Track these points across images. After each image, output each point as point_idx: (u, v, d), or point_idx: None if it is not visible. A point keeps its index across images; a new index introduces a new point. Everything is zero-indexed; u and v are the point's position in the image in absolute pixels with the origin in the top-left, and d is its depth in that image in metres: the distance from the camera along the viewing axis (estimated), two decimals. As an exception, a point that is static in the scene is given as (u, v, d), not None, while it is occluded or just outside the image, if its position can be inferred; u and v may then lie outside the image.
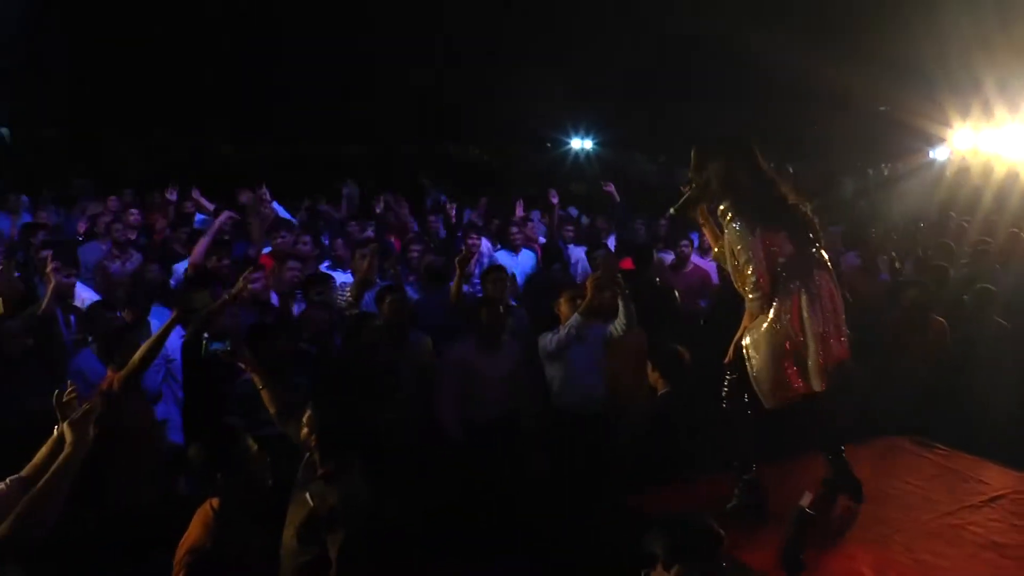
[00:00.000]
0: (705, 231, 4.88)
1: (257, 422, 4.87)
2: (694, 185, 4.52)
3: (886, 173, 16.92)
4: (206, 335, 5.50)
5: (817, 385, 4.22)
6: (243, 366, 4.82)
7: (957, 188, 11.58)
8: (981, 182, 11.14)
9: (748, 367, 4.32)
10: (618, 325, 6.10)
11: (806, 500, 3.07)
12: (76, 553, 5.17)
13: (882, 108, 15.71)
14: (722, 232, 4.46)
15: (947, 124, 13.33)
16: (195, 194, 10.56)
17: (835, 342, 4.27)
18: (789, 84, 14.66)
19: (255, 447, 3.63)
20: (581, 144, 20.78)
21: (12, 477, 3.52)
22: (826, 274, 4.34)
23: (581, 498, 5.36)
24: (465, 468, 5.80)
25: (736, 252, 4.32)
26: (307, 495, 3.94)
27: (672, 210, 4.61)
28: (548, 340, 6.14)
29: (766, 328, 4.26)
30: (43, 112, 18.09)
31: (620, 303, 6.05)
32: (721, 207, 4.39)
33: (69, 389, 3.69)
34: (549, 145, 21.21)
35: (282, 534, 3.95)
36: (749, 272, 4.26)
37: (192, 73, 17.19)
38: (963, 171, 12.65)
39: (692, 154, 4.50)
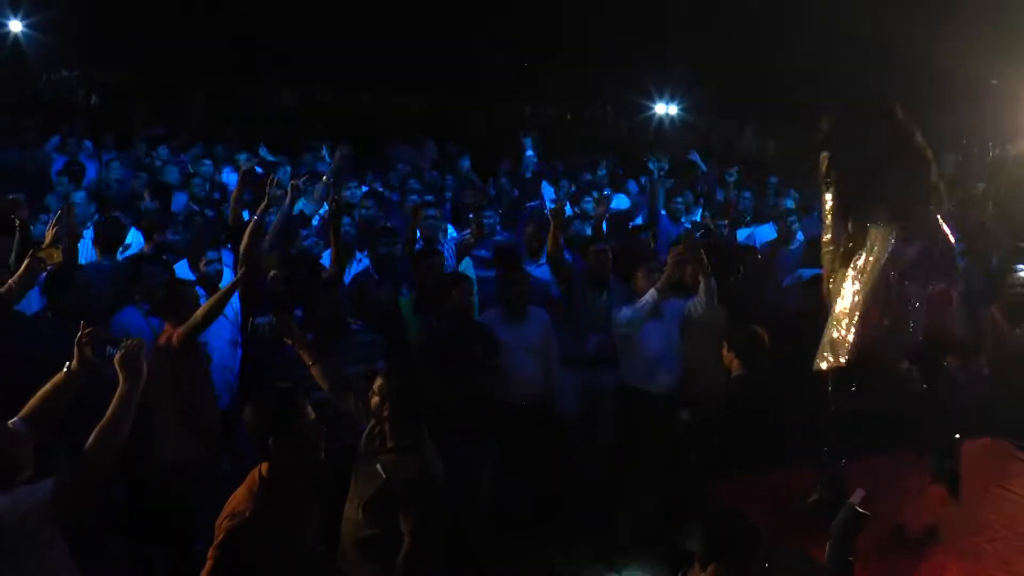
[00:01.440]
0: None
1: (305, 387, 4.88)
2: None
3: (994, 153, 16.30)
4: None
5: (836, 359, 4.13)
6: (289, 341, 4.77)
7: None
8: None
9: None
10: (697, 303, 6.01)
11: (857, 498, 2.97)
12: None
13: (993, 81, 15.11)
14: None
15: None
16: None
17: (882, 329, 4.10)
18: (884, 53, 14.15)
19: (312, 415, 3.59)
20: (666, 109, 20.41)
21: (13, 419, 3.53)
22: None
23: (650, 483, 5.28)
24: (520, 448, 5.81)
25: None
26: (378, 467, 3.90)
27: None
28: (622, 314, 6.04)
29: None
30: (110, 56, 18.40)
31: (701, 279, 5.93)
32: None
33: (87, 330, 3.69)
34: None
35: (335, 506, 3.92)
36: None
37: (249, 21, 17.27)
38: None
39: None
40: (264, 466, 3.54)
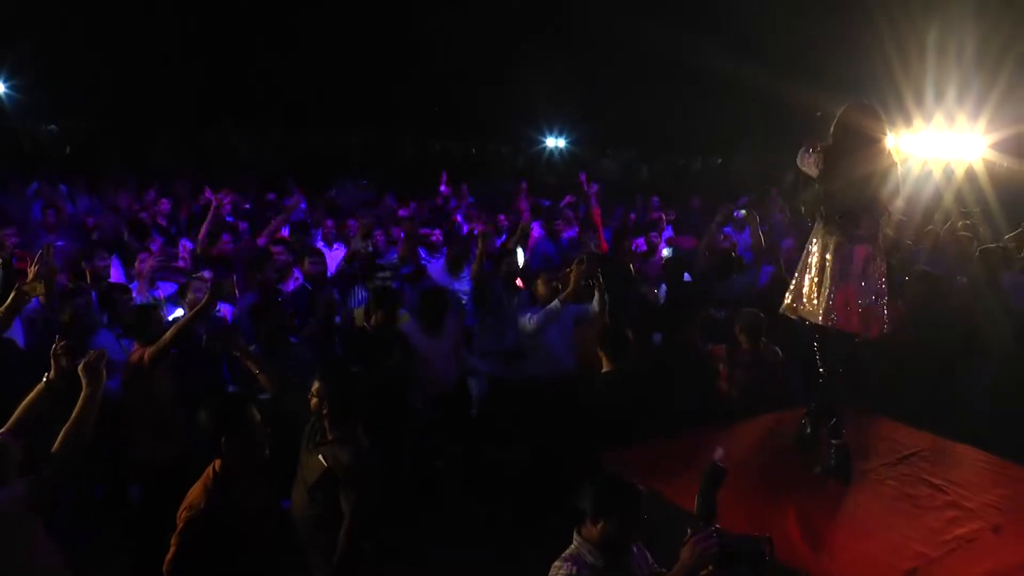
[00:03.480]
0: None
1: (252, 391, 4.84)
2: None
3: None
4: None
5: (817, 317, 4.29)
6: (237, 355, 4.90)
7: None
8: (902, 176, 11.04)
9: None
10: (593, 311, 6.15)
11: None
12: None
13: (818, 113, 15.55)
14: None
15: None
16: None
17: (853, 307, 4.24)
18: (726, 85, 14.41)
19: (257, 416, 3.50)
20: (555, 142, 20.59)
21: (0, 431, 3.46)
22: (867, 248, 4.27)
23: (554, 456, 5.27)
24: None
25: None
26: (320, 457, 3.85)
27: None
28: (528, 319, 6.09)
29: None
30: (84, 105, 17.68)
31: (596, 293, 6.11)
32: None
33: (62, 343, 3.64)
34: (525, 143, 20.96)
35: (278, 494, 3.84)
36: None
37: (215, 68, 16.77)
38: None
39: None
40: (217, 462, 3.44)
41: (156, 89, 16.23)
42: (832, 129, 4.29)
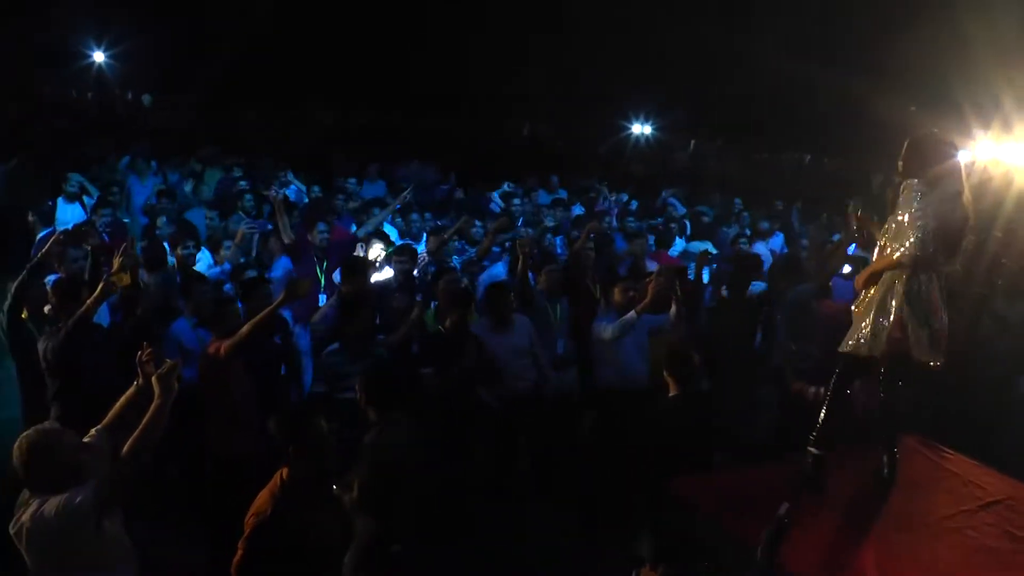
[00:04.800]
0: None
1: (339, 388, 4.92)
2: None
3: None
4: None
5: (936, 359, 4.15)
6: None
7: (977, 194, 10.96)
8: (1003, 190, 10.54)
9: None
10: (668, 323, 6.17)
11: (783, 510, 2.96)
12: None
13: (912, 108, 15.00)
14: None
15: (968, 135, 12.68)
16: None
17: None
18: (813, 81, 13.99)
19: (324, 427, 3.59)
20: (641, 129, 20.23)
21: (96, 428, 3.66)
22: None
23: (620, 476, 5.25)
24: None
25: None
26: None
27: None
28: (603, 329, 6.08)
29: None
30: (178, 80, 18.23)
31: (674, 305, 6.11)
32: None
33: (147, 351, 3.77)
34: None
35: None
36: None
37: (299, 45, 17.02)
38: (985, 180, 11.95)
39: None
40: (285, 470, 3.55)
41: (244, 65, 16.60)
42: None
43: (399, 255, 6.77)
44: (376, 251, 7.28)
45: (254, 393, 5.18)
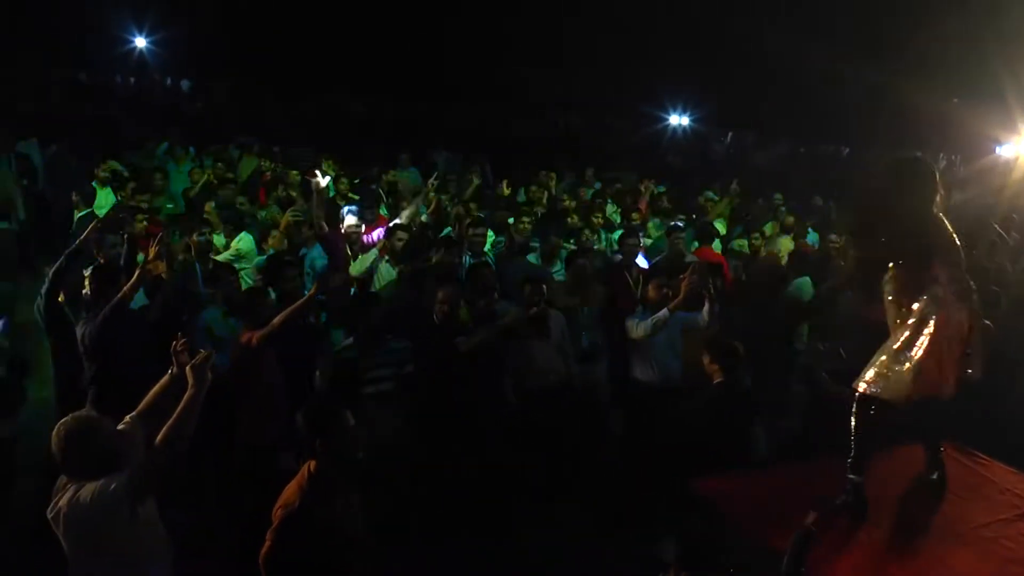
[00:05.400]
0: None
1: (361, 382, 4.99)
2: None
3: (958, 166, 15.85)
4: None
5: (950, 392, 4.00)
6: None
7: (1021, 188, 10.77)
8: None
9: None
10: (702, 320, 6.12)
11: (811, 519, 2.93)
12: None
13: (955, 99, 14.73)
14: None
15: (1014, 128, 12.39)
16: None
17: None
18: (868, 72, 13.79)
19: (352, 421, 3.62)
20: (679, 120, 20.08)
21: (130, 415, 3.71)
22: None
23: (647, 474, 5.23)
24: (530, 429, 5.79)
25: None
26: None
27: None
28: (635, 325, 6.07)
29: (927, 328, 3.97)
30: (214, 67, 18.40)
31: (707, 303, 6.09)
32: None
33: (182, 340, 3.81)
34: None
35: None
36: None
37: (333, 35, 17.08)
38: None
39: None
40: (312, 463, 3.59)
41: (277, 52, 16.72)
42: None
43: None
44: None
45: (284, 383, 5.24)
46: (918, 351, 3.95)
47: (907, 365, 3.96)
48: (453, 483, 5.21)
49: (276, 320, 5.05)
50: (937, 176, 4.13)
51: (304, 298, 5.18)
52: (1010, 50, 10.63)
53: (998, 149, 14.50)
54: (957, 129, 14.22)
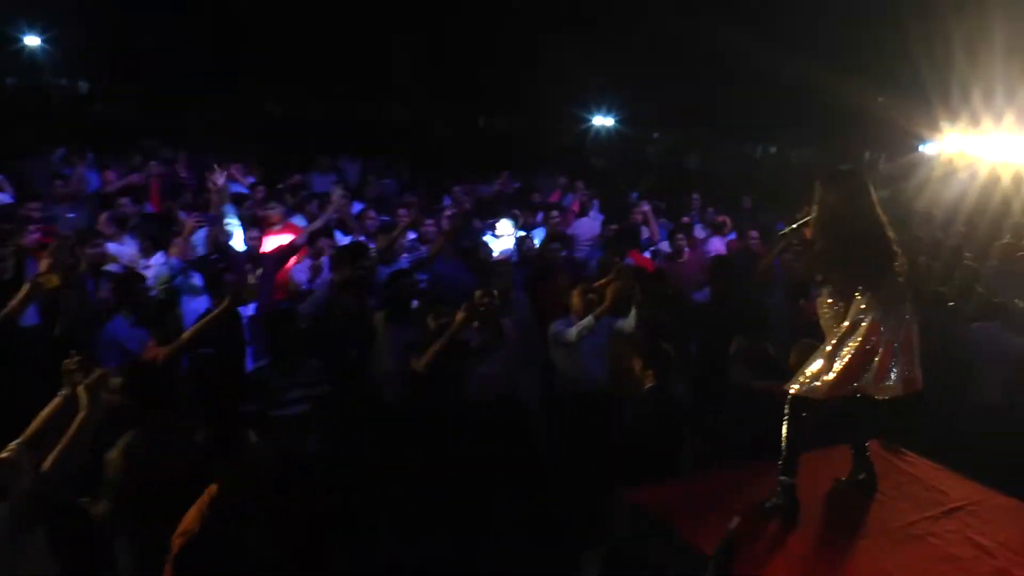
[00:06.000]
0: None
1: (273, 404, 4.81)
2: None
3: (882, 163, 16.37)
4: None
5: (882, 393, 4.05)
6: None
7: (943, 186, 11.23)
8: (967, 182, 10.81)
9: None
10: (627, 325, 6.13)
11: (734, 523, 2.92)
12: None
13: (880, 99, 15.26)
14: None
15: (936, 128, 12.92)
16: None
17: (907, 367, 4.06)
18: (792, 71, 14.13)
19: (255, 440, 3.47)
20: (602, 121, 20.24)
21: (15, 442, 3.46)
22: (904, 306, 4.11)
23: (581, 483, 5.18)
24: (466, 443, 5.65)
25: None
26: None
27: (786, 230, 4.53)
28: (560, 332, 6.03)
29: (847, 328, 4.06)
30: (113, 68, 17.82)
31: (634, 309, 6.13)
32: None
33: (75, 358, 3.63)
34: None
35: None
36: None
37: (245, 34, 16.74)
38: (951, 171, 12.21)
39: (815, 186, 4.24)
40: (213, 487, 3.43)
41: (182, 51, 16.29)
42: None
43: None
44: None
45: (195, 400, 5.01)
46: (849, 351, 4.04)
47: (837, 365, 4.05)
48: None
49: (184, 336, 4.88)
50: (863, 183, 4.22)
51: (214, 312, 5.00)
52: (934, 49, 11.04)
53: (921, 147, 15.05)
54: (881, 126, 14.69)
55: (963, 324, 6.69)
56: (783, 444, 4.25)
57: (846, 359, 4.04)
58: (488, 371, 5.89)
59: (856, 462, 4.58)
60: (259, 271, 6.58)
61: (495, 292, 6.02)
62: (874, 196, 4.19)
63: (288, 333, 5.26)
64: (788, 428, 4.22)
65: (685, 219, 10.51)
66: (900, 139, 15.33)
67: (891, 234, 4.18)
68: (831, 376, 4.06)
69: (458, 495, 5.49)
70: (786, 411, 4.23)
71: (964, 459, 4.89)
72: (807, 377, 4.15)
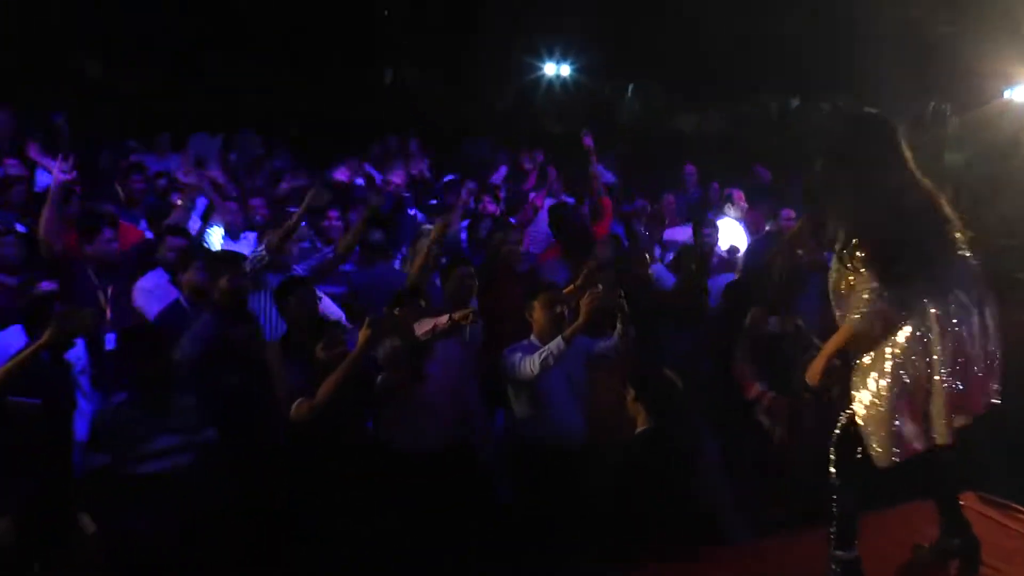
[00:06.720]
0: None
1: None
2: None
3: (948, 113, 16.64)
4: None
5: (944, 439, 3.99)
6: None
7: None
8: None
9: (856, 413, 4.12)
10: (613, 347, 6.12)
11: None
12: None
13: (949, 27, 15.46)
14: None
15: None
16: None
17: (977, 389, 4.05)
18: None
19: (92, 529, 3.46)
20: (556, 70, 20.35)
21: None
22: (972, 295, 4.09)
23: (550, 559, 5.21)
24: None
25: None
26: None
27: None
28: (518, 361, 5.94)
29: (887, 362, 4.02)
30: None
31: (619, 324, 6.05)
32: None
33: None
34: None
35: None
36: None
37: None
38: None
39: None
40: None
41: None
42: None
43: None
44: None
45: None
46: (893, 392, 4.01)
47: (881, 409, 4.02)
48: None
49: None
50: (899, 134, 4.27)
51: (34, 345, 4.96)
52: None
53: (1007, 92, 15.09)
54: (949, 67, 14.87)
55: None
56: (834, 504, 4.27)
57: (891, 404, 4.00)
58: (417, 414, 5.90)
59: (946, 522, 4.58)
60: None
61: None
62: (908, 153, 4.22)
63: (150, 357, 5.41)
64: (839, 476, 4.24)
65: (670, 198, 10.71)
66: (977, 83, 15.49)
67: (945, 203, 4.21)
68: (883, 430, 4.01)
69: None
70: (833, 450, 4.25)
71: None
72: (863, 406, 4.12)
